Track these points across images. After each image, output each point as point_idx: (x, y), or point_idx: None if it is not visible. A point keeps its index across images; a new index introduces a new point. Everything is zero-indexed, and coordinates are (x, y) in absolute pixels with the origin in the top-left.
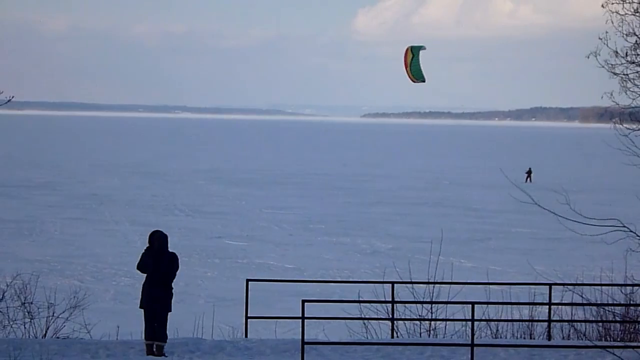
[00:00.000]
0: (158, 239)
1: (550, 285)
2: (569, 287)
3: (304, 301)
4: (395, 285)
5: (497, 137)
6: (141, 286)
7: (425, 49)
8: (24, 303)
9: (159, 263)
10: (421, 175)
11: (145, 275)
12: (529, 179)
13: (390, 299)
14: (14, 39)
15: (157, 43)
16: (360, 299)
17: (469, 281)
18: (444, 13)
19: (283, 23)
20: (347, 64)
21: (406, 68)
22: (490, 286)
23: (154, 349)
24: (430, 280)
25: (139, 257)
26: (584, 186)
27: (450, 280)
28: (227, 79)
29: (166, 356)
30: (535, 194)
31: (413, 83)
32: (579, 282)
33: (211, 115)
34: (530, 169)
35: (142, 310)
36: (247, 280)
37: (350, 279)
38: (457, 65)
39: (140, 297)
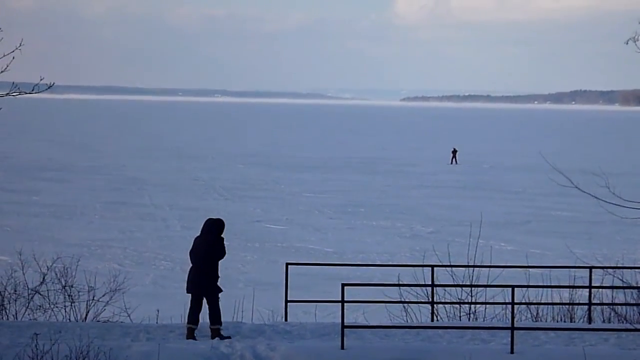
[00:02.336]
0: (204, 225)
1: (590, 268)
2: (609, 270)
3: (343, 285)
4: (435, 268)
5: (536, 120)
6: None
7: None
8: (65, 286)
9: (197, 248)
10: (460, 158)
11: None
12: (454, 159)
13: (430, 283)
14: (55, 23)
15: (197, 27)
16: (400, 283)
17: (508, 264)
18: None
19: (323, 7)
20: (386, 47)
21: None
22: (530, 269)
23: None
24: (470, 264)
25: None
26: (623, 169)
27: (489, 264)
28: (267, 63)
29: (225, 338)
30: (574, 177)
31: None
32: (619, 265)
33: (251, 99)
34: (455, 148)
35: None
36: (287, 264)
37: (390, 263)
38: (497, 49)
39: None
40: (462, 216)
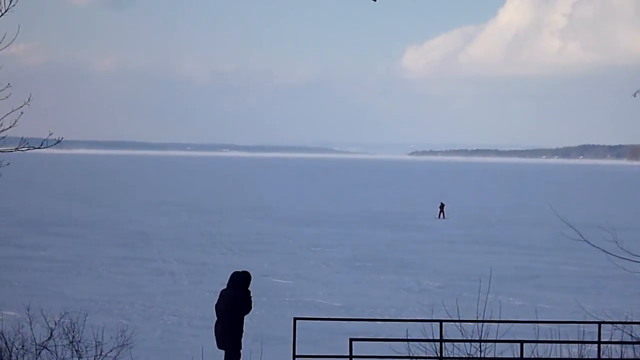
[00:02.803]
0: (230, 278)
1: (599, 323)
2: (618, 325)
3: (351, 339)
4: (443, 323)
5: (544, 175)
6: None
7: None
8: (72, 341)
9: (222, 301)
10: (469, 212)
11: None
12: (442, 213)
13: (438, 338)
14: (64, 79)
15: (205, 81)
16: (409, 338)
17: (517, 319)
18: (491, 51)
19: (331, 62)
20: (394, 102)
21: None
22: (539, 324)
23: None
24: (478, 319)
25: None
26: (632, 223)
27: (498, 319)
28: (274, 117)
29: None
30: (582, 231)
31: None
32: (628, 320)
33: (259, 153)
34: (442, 203)
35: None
36: (295, 319)
37: (398, 317)
38: (505, 104)
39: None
40: (470, 270)
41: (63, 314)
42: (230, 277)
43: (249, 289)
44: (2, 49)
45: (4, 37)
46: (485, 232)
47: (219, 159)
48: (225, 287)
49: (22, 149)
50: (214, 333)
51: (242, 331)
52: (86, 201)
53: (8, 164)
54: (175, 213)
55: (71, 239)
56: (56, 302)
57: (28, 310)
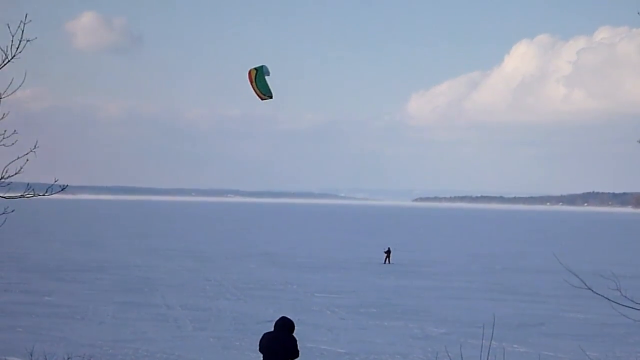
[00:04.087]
0: (277, 323)
1: None
2: None
3: None
4: None
5: (548, 222)
6: None
7: (267, 74)
8: None
9: (271, 345)
10: (474, 259)
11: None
12: (387, 259)
13: None
14: (70, 124)
15: (211, 127)
16: None
17: None
18: (496, 98)
19: (337, 108)
20: (399, 148)
21: (252, 84)
22: None
23: None
24: None
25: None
26: (636, 272)
27: None
28: (280, 163)
29: None
30: (586, 278)
31: (262, 101)
32: None
33: (264, 199)
34: (389, 248)
35: None
36: None
37: None
38: (509, 150)
39: None
40: (474, 317)
41: (66, 359)
42: (284, 322)
43: (294, 335)
44: (9, 95)
45: (10, 83)
46: (489, 279)
47: (224, 204)
48: (269, 331)
49: (28, 195)
50: None
51: None
52: (90, 247)
53: (13, 210)
54: (179, 258)
55: (75, 285)
56: (60, 347)
57: (31, 356)
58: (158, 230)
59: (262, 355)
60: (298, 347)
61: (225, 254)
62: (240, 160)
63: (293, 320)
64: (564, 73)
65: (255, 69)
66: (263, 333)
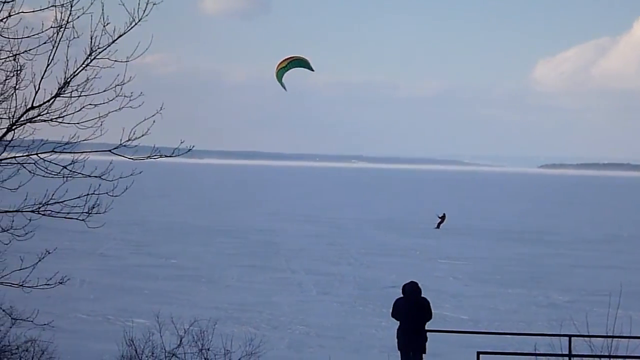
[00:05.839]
0: (409, 288)
1: None
2: None
3: (479, 353)
4: (572, 338)
5: None
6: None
7: (306, 67)
8: (202, 349)
9: (409, 310)
10: (599, 227)
11: (399, 321)
12: (440, 224)
13: (567, 353)
14: (196, 89)
15: (335, 93)
16: (537, 352)
17: None
18: (624, 64)
19: (459, 74)
20: (524, 114)
21: (280, 67)
22: None
23: None
24: (608, 334)
25: (392, 306)
26: None
27: (629, 334)
28: (402, 129)
29: None
30: None
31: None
32: None
33: (387, 165)
34: (444, 214)
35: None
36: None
37: (526, 332)
38: (638, 117)
39: (396, 340)
40: (600, 285)
41: (192, 322)
42: (409, 286)
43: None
44: (136, 58)
45: (137, 47)
46: (614, 247)
47: (348, 169)
48: (401, 296)
49: (154, 157)
50: (403, 340)
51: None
52: (215, 210)
53: (141, 172)
54: (303, 223)
55: (200, 248)
56: (185, 310)
57: (158, 318)
58: (282, 195)
59: (398, 320)
60: (431, 309)
61: (348, 219)
62: (363, 126)
63: (417, 284)
64: None
65: (290, 60)
66: (395, 299)
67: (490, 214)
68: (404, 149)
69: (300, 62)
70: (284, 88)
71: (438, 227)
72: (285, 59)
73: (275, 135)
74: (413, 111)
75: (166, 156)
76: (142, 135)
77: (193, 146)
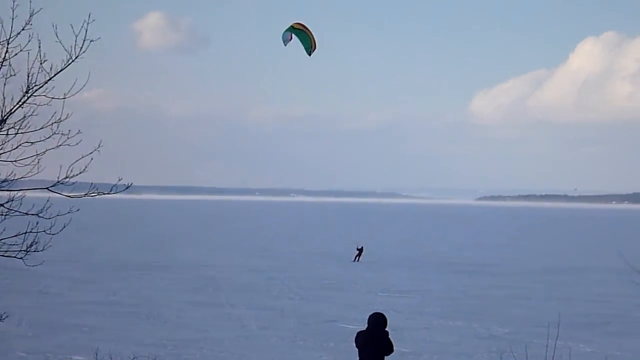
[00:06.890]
0: (370, 320)
1: None
2: None
3: None
4: None
5: (614, 221)
6: None
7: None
8: None
9: (365, 345)
10: (539, 258)
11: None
12: (358, 257)
13: None
14: (135, 124)
15: (275, 126)
16: None
17: None
18: (560, 97)
19: (400, 107)
20: (462, 147)
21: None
22: None
23: None
24: None
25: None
26: None
27: None
28: (343, 162)
29: None
30: None
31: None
32: None
33: (328, 198)
34: (362, 246)
35: None
36: None
37: None
38: (574, 149)
39: None
40: (540, 317)
41: (132, 358)
42: (372, 318)
43: (387, 329)
44: (73, 95)
45: (74, 83)
46: (555, 278)
47: (287, 203)
48: (363, 328)
49: (92, 194)
50: None
51: None
52: (154, 246)
53: (78, 209)
54: (242, 258)
55: (140, 284)
56: (125, 347)
57: (96, 355)
58: (222, 230)
59: (357, 351)
60: (391, 343)
61: (288, 253)
62: (303, 159)
63: (383, 315)
64: (630, 71)
65: (305, 31)
66: (357, 332)
67: (430, 246)
68: (344, 182)
69: (307, 41)
70: (284, 43)
71: (356, 259)
72: (304, 26)
73: (215, 169)
74: (354, 144)
75: (104, 193)
76: (80, 173)
77: (131, 183)
